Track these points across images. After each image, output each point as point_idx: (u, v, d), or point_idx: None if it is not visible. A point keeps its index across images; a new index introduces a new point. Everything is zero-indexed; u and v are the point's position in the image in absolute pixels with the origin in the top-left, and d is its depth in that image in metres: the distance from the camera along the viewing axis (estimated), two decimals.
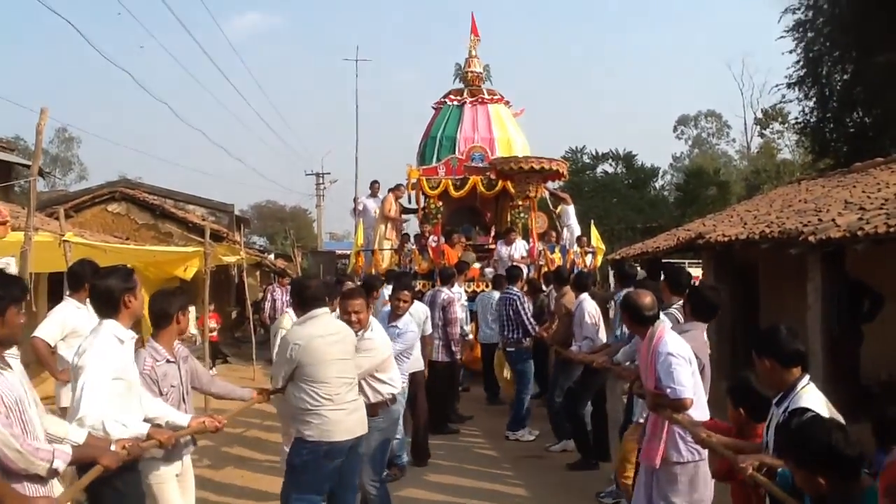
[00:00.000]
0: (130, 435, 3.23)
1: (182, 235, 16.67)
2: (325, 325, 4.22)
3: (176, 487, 3.78)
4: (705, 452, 3.80)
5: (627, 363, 5.31)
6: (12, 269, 5.97)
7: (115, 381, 3.26)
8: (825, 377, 6.28)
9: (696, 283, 7.70)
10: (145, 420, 3.46)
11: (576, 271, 8.80)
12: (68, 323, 5.09)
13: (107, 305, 3.39)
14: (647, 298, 4.06)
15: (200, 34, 41.61)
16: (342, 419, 4.10)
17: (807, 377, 3.02)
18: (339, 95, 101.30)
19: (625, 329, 5.64)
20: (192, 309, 13.39)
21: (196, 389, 4.11)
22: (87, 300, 4.09)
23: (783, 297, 9.45)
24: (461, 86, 13.50)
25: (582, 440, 6.75)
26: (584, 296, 6.89)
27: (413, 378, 6.55)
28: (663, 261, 12.55)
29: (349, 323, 4.76)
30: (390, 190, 12.47)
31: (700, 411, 3.89)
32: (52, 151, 46.12)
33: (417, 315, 6.67)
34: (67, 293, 5.30)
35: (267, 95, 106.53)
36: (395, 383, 5.02)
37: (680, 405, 3.74)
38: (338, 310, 5.10)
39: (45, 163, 38.88)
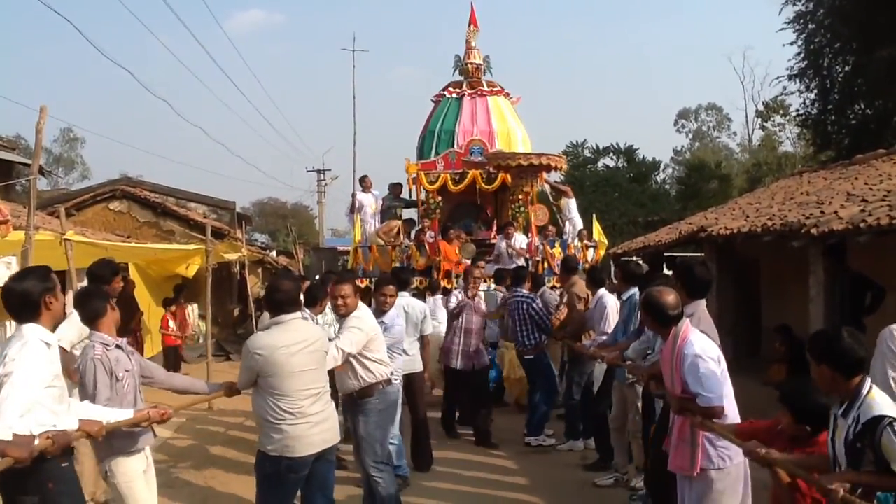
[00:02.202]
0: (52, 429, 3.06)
1: (183, 233, 16.65)
2: (291, 334, 3.97)
3: (144, 484, 3.74)
4: (738, 457, 3.55)
5: (641, 361, 5.06)
6: (14, 267, 5.98)
7: (49, 390, 3.10)
8: None
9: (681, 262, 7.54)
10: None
11: (581, 265, 8.65)
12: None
13: (25, 309, 3.17)
14: (671, 297, 3.85)
15: (201, 31, 41.62)
16: (304, 433, 3.93)
17: (868, 381, 2.81)
18: (340, 92, 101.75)
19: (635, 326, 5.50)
20: (194, 307, 13.50)
21: (153, 385, 4.00)
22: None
23: (785, 289, 9.43)
24: (461, 78, 13.31)
25: (602, 440, 6.52)
26: (603, 290, 6.61)
27: (411, 381, 6.38)
28: (665, 254, 12.54)
29: (336, 308, 4.82)
30: (398, 220, 11.88)
31: (730, 413, 3.67)
32: (56, 151, 46.21)
33: (415, 314, 6.51)
34: None
35: (268, 92, 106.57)
36: (387, 364, 4.97)
37: (711, 414, 3.52)
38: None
39: (48, 162, 39.02)
